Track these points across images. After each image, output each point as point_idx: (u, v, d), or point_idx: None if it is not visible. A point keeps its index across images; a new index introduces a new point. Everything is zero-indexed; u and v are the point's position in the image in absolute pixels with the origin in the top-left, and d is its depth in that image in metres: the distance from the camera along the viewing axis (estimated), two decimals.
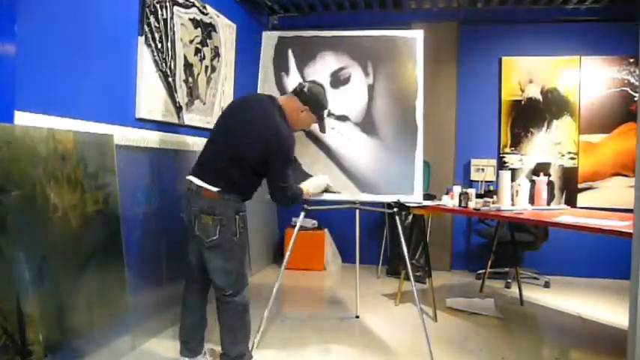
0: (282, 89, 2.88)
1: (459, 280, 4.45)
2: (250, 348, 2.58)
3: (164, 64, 2.89)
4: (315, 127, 2.55)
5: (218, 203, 2.17)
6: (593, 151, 4.54)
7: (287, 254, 2.83)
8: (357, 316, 3.31)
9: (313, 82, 2.48)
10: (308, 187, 2.54)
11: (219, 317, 2.30)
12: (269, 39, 2.96)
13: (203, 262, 2.27)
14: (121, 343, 2.48)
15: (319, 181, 2.63)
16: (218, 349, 2.39)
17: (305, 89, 2.38)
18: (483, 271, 4.06)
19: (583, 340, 3.04)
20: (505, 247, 4.07)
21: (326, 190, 2.66)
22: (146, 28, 2.69)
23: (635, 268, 1.54)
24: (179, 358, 2.41)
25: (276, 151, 2.21)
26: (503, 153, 4.69)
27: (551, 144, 4.61)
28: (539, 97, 4.63)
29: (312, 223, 4.69)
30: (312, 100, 2.37)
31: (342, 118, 2.82)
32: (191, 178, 2.25)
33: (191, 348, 2.40)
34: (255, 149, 2.20)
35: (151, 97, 2.76)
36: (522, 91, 4.66)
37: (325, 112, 2.48)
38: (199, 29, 3.33)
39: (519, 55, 4.65)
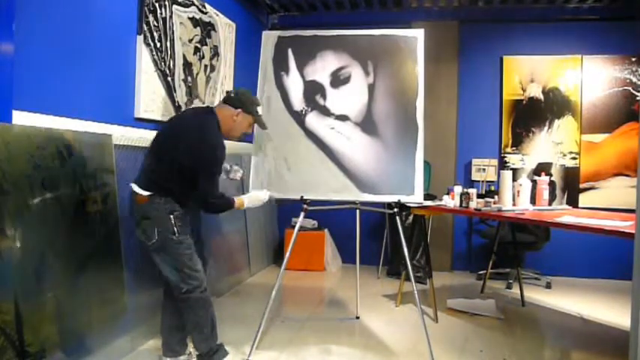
0: (282, 89, 2.87)
1: (459, 281, 4.43)
2: (250, 349, 2.58)
3: (163, 64, 2.87)
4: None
5: (150, 207, 2.22)
6: (595, 150, 4.52)
7: (287, 254, 2.82)
8: (358, 317, 3.30)
9: (240, 89, 2.57)
10: (244, 199, 2.56)
11: (184, 317, 2.32)
12: (269, 38, 2.95)
13: None
14: (119, 344, 2.47)
15: (258, 196, 2.64)
16: None
17: (232, 94, 2.46)
18: (484, 271, 4.04)
19: (584, 341, 3.03)
20: (506, 248, 4.05)
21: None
22: (145, 27, 2.68)
23: (637, 269, 1.52)
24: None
25: (201, 158, 2.25)
26: (505, 153, 4.68)
27: (553, 144, 4.59)
28: (541, 96, 4.61)
29: (312, 223, 4.67)
30: (242, 100, 2.42)
31: (342, 118, 2.81)
32: (131, 184, 2.30)
33: (172, 348, 2.42)
34: (186, 155, 2.24)
35: (149, 96, 2.75)
36: (524, 90, 4.64)
37: (259, 109, 2.50)
38: (198, 28, 3.32)
39: (520, 54, 4.63)
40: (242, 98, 2.43)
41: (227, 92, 2.51)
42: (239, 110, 2.39)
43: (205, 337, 2.31)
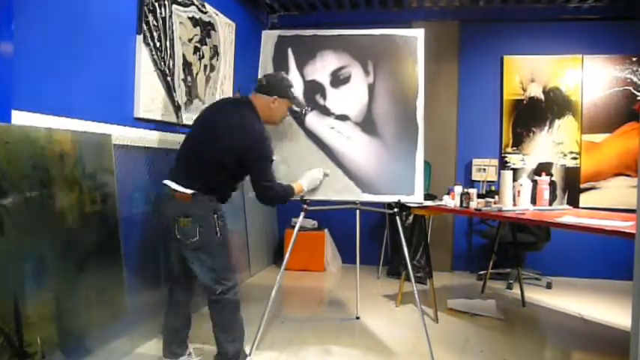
0: None
1: (460, 281, 4.43)
2: (249, 349, 2.57)
3: (163, 63, 2.87)
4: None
5: (193, 205, 2.19)
6: (596, 150, 4.51)
7: (287, 255, 2.82)
8: (358, 317, 3.29)
9: (269, 74, 2.53)
10: (302, 183, 2.56)
11: (212, 317, 2.31)
12: (269, 38, 2.94)
13: (186, 265, 2.28)
14: (119, 344, 2.47)
15: (314, 175, 2.63)
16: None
17: (264, 82, 2.41)
18: (485, 271, 4.03)
19: (585, 342, 3.02)
20: (507, 248, 4.05)
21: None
22: (144, 27, 2.67)
23: (637, 269, 1.51)
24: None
25: (252, 151, 2.24)
26: (505, 153, 4.67)
27: (554, 144, 4.59)
28: (541, 96, 4.61)
29: (312, 223, 4.67)
30: (275, 86, 2.39)
31: (342, 118, 2.80)
32: (167, 182, 2.27)
33: (172, 350, 2.40)
34: (231, 152, 2.23)
35: (149, 96, 2.75)
36: (524, 90, 4.63)
37: (293, 90, 2.48)
38: (198, 28, 3.32)
39: (521, 54, 4.63)
40: (274, 83, 2.40)
41: (259, 80, 2.45)
42: (274, 97, 2.38)
43: (233, 339, 2.29)
